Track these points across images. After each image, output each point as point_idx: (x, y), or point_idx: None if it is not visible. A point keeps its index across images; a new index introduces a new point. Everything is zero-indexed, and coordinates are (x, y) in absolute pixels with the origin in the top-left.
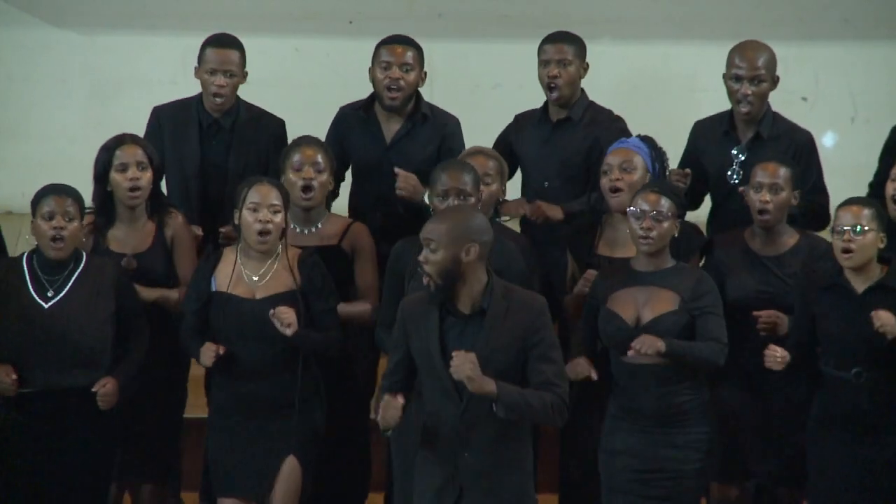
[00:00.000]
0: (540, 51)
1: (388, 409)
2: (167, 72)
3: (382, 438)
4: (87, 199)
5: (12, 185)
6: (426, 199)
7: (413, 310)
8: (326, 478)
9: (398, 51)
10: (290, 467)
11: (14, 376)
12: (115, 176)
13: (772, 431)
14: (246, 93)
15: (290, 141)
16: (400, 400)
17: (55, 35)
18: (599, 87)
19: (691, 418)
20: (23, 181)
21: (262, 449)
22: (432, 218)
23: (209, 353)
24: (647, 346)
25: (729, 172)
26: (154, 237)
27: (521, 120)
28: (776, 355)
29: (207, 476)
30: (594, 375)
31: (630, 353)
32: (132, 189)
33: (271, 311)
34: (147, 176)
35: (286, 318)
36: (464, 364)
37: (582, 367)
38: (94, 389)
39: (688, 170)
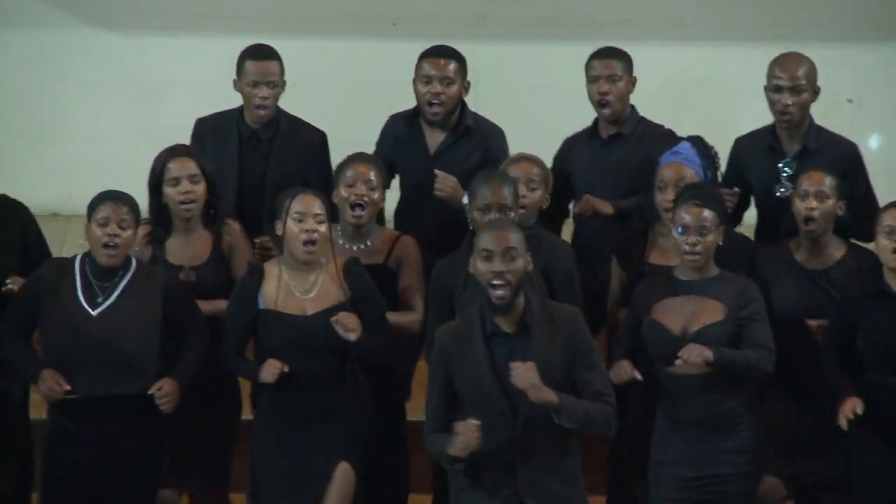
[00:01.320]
0: (588, 67)
1: (468, 432)
2: (212, 74)
3: (419, 441)
4: (142, 204)
5: (57, 186)
6: (465, 203)
7: (452, 338)
8: (366, 482)
9: (440, 64)
10: (343, 472)
11: (66, 385)
12: (167, 190)
13: (820, 439)
14: (290, 95)
15: (330, 151)
16: (474, 422)
17: (100, 37)
18: (642, 89)
19: (740, 423)
20: (67, 183)
21: (313, 456)
22: (498, 228)
23: (273, 370)
24: (694, 356)
25: (776, 186)
26: (211, 248)
27: (571, 140)
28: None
29: (255, 480)
30: (638, 376)
31: (677, 362)
32: (184, 202)
33: (334, 318)
34: (200, 188)
35: (350, 324)
36: (525, 373)
37: (625, 371)
38: (150, 392)
39: (736, 189)
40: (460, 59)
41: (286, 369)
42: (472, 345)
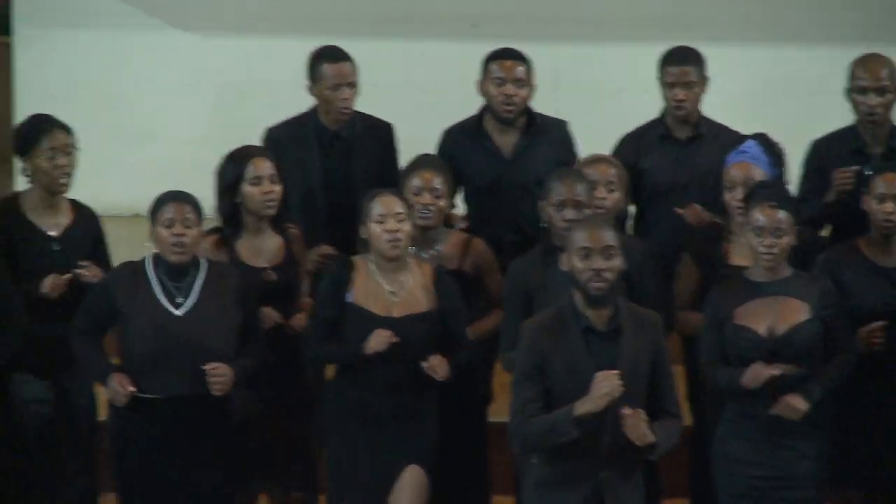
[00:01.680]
0: (663, 72)
1: (610, 378)
2: (292, 75)
3: (501, 442)
4: (206, 204)
5: (139, 188)
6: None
7: (544, 333)
8: (447, 484)
9: (509, 66)
10: (414, 475)
11: (131, 388)
12: (249, 189)
13: (892, 441)
14: (370, 97)
15: (399, 143)
16: (614, 372)
17: (182, 39)
18: (724, 90)
19: (811, 426)
20: (150, 184)
21: (385, 458)
22: (595, 226)
23: (382, 339)
24: (790, 412)
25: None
26: (285, 251)
27: (633, 139)
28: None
29: (334, 481)
30: (777, 371)
31: (774, 410)
32: (269, 202)
33: (425, 365)
34: (279, 189)
35: (441, 370)
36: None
37: (762, 373)
38: (204, 367)
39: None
40: (528, 62)
41: (395, 339)
42: (568, 339)
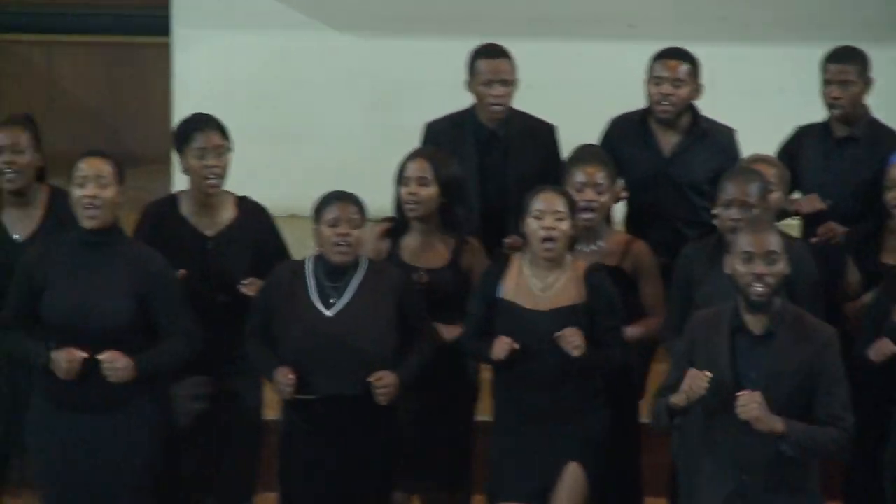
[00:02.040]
0: (824, 69)
1: (696, 377)
2: (449, 76)
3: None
4: (370, 204)
5: (296, 188)
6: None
7: (702, 327)
8: (600, 484)
9: (671, 65)
10: (573, 473)
11: (292, 377)
12: (400, 188)
13: None
14: (528, 96)
15: (560, 145)
16: (707, 373)
17: (339, 39)
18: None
19: None
20: (306, 185)
21: (545, 455)
22: (759, 230)
23: (504, 346)
24: None
25: None
26: (450, 257)
27: (802, 135)
28: None
29: (493, 478)
30: None
31: None
32: (408, 202)
33: (558, 334)
34: (428, 191)
35: (574, 340)
36: (749, 404)
37: (887, 346)
38: (369, 379)
39: None
40: (692, 62)
41: (517, 346)
42: (717, 335)
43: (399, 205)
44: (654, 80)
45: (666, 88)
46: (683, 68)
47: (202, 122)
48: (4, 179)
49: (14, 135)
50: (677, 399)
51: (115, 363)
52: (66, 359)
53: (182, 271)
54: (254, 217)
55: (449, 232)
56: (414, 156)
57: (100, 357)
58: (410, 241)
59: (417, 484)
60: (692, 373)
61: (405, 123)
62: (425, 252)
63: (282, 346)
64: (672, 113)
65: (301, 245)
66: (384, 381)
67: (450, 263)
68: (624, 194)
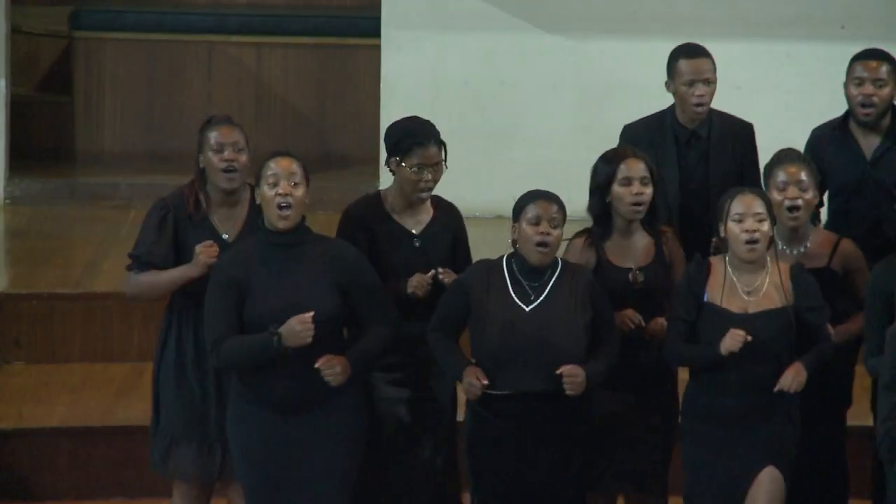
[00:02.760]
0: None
1: None
2: (657, 77)
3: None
4: (574, 205)
5: (503, 189)
6: None
7: None
8: (805, 487)
9: (872, 66)
10: (769, 476)
11: (485, 381)
12: (618, 189)
13: None
14: (735, 98)
15: (758, 144)
16: None
17: (548, 40)
18: None
19: None
20: (513, 186)
21: (741, 459)
22: None
23: (737, 338)
24: None
25: None
26: (654, 252)
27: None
28: None
29: (689, 481)
30: None
31: None
32: (636, 204)
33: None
34: (649, 191)
35: (573, 380)
36: None
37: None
38: (558, 371)
39: None
40: (893, 62)
41: (750, 338)
42: None
43: (602, 208)
44: (853, 81)
45: (867, 89)
46: (884, 68)
47: (423, 137)
48: (225, 177)
49: (236, 133)
50: None
51: (334, 367)
52: (299, 322)
53: (432, 272)
54: (450, 216)
55: (645, 227)
56: (627, 156)
57: (318, 365)
58: (615, 244)
59: (620, 484)
60: None
61: (612, 125)
62: (632, 251)
63: (477, 341)
64: (874, 115)
65: (504, 248)
66: (573, 374)
67: (656, 258)
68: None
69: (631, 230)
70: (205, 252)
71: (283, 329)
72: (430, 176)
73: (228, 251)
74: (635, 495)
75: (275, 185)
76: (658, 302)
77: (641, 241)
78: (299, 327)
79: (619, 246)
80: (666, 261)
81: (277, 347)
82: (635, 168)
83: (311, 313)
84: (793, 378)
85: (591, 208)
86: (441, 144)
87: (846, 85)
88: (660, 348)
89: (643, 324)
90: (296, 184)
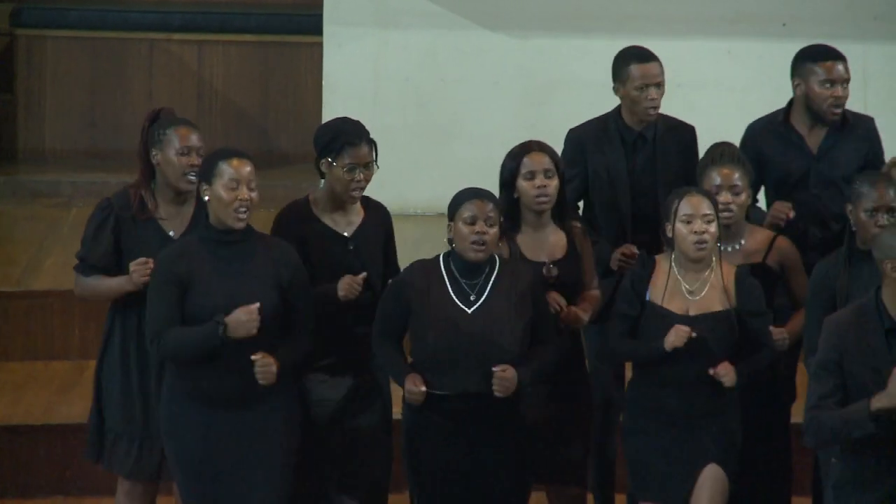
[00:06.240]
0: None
1: None
2: (599, 75)
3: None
4: None
5: (445, 186)
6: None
7: (846, 326)
8: (748, 484)
9: (839, 67)
10: (713, 475)
11: (423, 388)
12: (523, 183)
13: None
14: (677, 95)
15: (699, 146)
16: None
17: (490, 38)
18: None
19: None
20: (455, 183)
21: (684, 457)
22: None
23: (682, 334)
24: None
25: None
26: (567, 245)
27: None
28: None
29: (635, 478)
30: None
31: None
32: (539, 196)
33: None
34: (554, 183)
35: (503, 382)
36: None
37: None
38: (493, 369)
39: None
40: (845, 58)
41: (694, 334)
42: (869, 338)
43: (510, 204)
44: (822, 82)
45: (838, 91)
46: (845, 67)
47: (354, 137)
48: (186, 180)
49: (200, 137)
50: (881, 403)
51: (270, 367)
52: (245, 312)
53: (363, 274)
54: (380, 214)
55: (556, 221)
56: (527, 150)
57: (254, 357)
58: (527, 238)
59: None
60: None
61: (553, 122)
62: (544, 245)
63: (419, 343)
64: (841, 115)
65: (444, 242)
66: (502, 376)
67: (569, 252)
68: (791, 215)
69: (542, 224)
70: (137, 270)
71: (229, 319)
72: (362, 176)
73: (171, 246)
74: (556, 487)
75: (234, 189)
76: (570, 295)
77: (553, 236)
78: (245, 317)
79: (532, 240)
80: (578, 254)
81: (222, 337)
82: (539, 161)
83: (258, 304)
84: (726, 373)
85: (500, 203)
86: (372, 144)
87: (807, 84)
88: (572, 338)
89: (565, 308)
90: (254, 188)
